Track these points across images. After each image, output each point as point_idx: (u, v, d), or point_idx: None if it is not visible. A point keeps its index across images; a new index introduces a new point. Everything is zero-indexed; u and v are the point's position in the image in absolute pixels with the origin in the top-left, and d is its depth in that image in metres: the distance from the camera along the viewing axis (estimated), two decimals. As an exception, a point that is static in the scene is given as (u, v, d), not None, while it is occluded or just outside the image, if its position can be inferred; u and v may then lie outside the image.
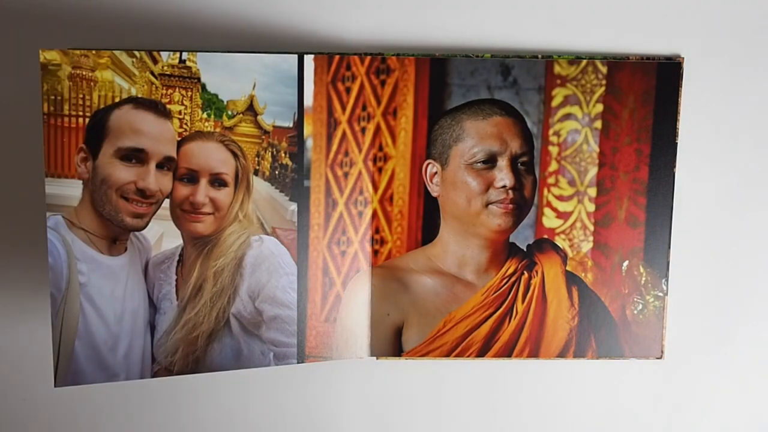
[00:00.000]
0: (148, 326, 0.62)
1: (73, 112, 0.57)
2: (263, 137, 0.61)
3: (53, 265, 0.57)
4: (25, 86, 0.58)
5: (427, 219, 0.66)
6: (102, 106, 0.57)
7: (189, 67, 0.59)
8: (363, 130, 0.64)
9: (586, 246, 0.67)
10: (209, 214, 0.61)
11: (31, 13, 0.59)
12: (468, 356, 0.67)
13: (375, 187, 0.65)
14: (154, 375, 0.62)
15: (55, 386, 0.59)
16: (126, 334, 0.60)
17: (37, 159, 0.57)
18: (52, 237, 0.57)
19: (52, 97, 0.56)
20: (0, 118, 0.59)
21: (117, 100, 0.57)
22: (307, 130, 0.63)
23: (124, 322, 0.60)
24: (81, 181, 0.58)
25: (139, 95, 0.58)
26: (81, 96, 0.57)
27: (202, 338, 0.62)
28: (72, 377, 0.59)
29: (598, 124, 0.66)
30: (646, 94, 0.66)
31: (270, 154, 0.62)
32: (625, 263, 0.67)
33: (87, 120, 0.57)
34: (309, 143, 0.63)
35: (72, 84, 0.56)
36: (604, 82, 0.65)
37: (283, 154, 0.62)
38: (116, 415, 0.66)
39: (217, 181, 0.61)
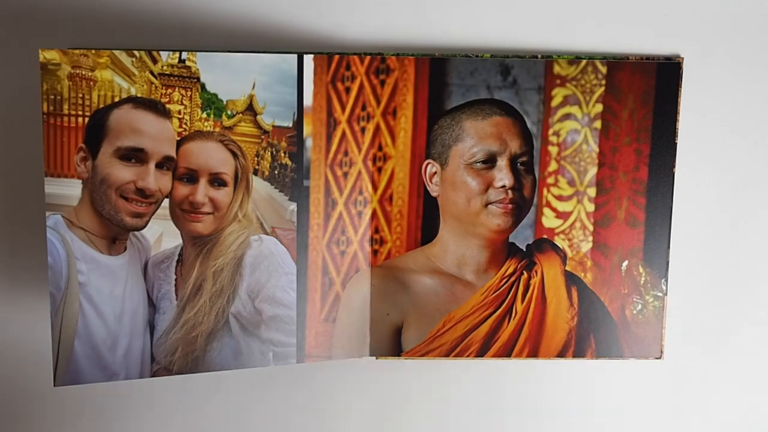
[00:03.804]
0: (147, 326, 0.62)
1: (73, 112, 0.57)
2: (263, 137, 0.61)
3: (53, 264, 0.57)
4: (24, 86, 0.58)
5: (427, 219, 0.66)
6: (101, 105, 0.57)
7: (188, 67, 0.58)
8: (363, 129, 0.64)
9: (586, 246, 0.67)
10: (209, 213, 0.61)
11: (31, 13, 0.59)
12: (467, 356, 0.67)
13: (374, 187, 0.65)
14: (154, 374, 0.62)
15: (54, 385, 0.59)
16: (125, 334, 0.60)
17: (36, 158, 0.57)
18: (52, 236, 0.57)
19: (52, 97, 0.56)
20: (1, 118, 0.59)
21: (116, 99, 0.57)
22: (307, 129, 0.63)
23: (124, 321, 0.60)
24: (80, 181, 0.58)
25: (139, 95, 0.58)
26: (80, 95, 0.57)
27: (202, 338, 0.62)
28: (71, 376, 0.59)
29: (598, 124, 0.66)
30: (645, 94, 0.66)
31: (269, 153, 0.62)
32: (625, 263, 0.67)
33: (86, 119, 0.57)
34: (308, 143, 0.63)
35: (71, 84, 0.56)
36: (603, 82, 0.65)
37: (282, 154, 0.62)
38: (116, 414, 0.65)
39: (216, 180, 0.61)
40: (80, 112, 0.57)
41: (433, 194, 0.66)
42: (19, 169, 0.60)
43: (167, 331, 0.62)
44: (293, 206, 0.63)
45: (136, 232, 0.60)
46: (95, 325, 0.59)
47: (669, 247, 0.67)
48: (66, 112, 0.56)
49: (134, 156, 0.58)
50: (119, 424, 0.66)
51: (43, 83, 0.56)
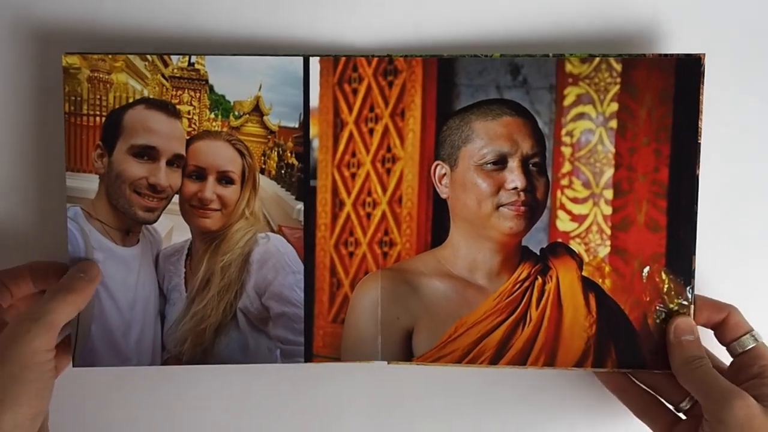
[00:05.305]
0: (158, 315, 0.65)
1: (91, 112, 0.61)
2: (269, 137, 0.64)
3: (72, 252, 0.62)
4: (48, 88, 0.64)
5: (437, 221, 0.66)
6: (117, 106, 0.62)
7: (197, 70, 0.62)
8: (371, 131, 0.65)
9: (603, 251, 0.64)
10: (216, 210, 0.64)
11: (54, 22, 0.64)
12: (480, 363, 0.65)
13: (383, 189, 0.65)
14: (164, 363, 0.64)
15: (73, 366, 0.63)
16: (138, 322, 0.63)
17: (58, 154, 0.62)
18: (72, 227, 0.62)
19: (73, 98, 0.61)
20: (26, 117, 0.65)
21: (131, 100, 0.62)
22: (313, 130, 0.64)
23: (136, 309, 0.63)
24: (98, 176, 0.62)
25: (151, 96, 0.62)
26: (98, 97, 0.61)
27: (210, 330, 0.64)
28: (89, 358, 0.63)
29: (614, 123, 0.63)
30: (664, 92, 0.63)
31: (276, 153, 0.64)
32: (646, 269, 0.64)
33: (103, 119, 0.62)
34: (315, 143, 0.64)
35: (90, 86, 0.61)
36: (618, 80, 0.63)
37: (289, 154, 0.64)
38: (125, 399, 0.68)
39: (224, 178, 0.64)
40: (98, 112, 0.61)
41: (443, 196, 0.65)
42: (43, 164, 0.65)
43: (177, 322, 0.64)
44: (300, 206, 0.64)
45: (148, 226, 0.64)
46: (110, 311, 0.63)
47: (694, 253, 0.63)
48: (85, 112, 0.61)
49: (146, 153, 0.62)
50: (128, 410, 0.69)
51: (65, 85, 0.61)
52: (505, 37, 0.66)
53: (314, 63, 0.63)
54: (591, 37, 0.65)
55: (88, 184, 0.62)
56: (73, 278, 0.60)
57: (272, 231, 0.64)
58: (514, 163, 0.64)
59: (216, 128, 0.63)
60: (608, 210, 0.64)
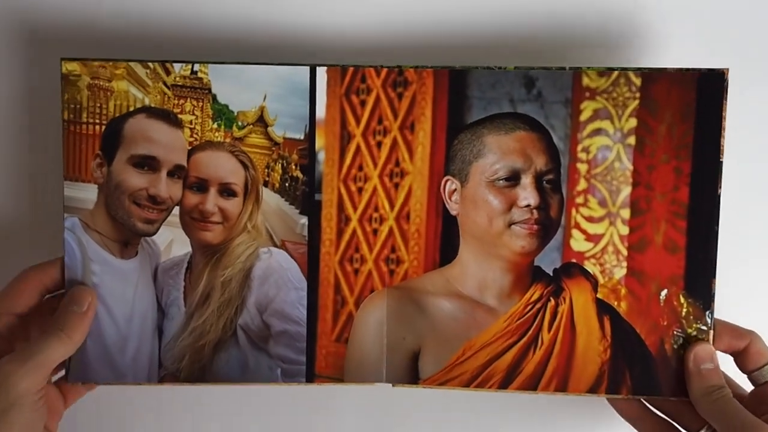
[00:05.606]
0: (156, 330, 0.63)
1: (91, 120, 0.60)
2: (273, 149, 0.62)
3: (69, 264, 0.60)
4: (47, 95, 0.62)
5: (446, 239, 0.63)
6: (117, 114, 0.60)
7: (200, 78, 0.60)
8: (379, 144, 0.63)
9: (619, 272, 0.62)
10: (218, 223, 0.62)
11: (53, 26, 0.63)
12: (489, 387, 0.62)
13: (391, 204, 0.63)
14: (161, 380, 0.62)
15: (67, 382, 0.60)
16: (135, 337, 0.61)
17: (57, 163, 0.60)
18: (69, 237, 0.60)
19: (72, 106, 0.59)
20: (25, 125, 0.63)
21: (131, 109, 0.60)
22: (319, 142, 0.62)
23: (133, 324, 0.61)
24: (96, 186, 0.60)
25: (152, 105, 0.60)
26: (98, 105, 0.60)
27: (209, 347, 0.62)
28: (83, 374, 0.61)
29: (632, 140, 0.61)
30: (685, 108, 0.60)
31: (280, 165, 0.62)
32: (664, 292, 0.61)
33: (103, 128, 0.60)
34: (321, 156, 0.62)
35: (90, 93, 0.60)
36: (637, 95, 0.61)
37: (293, 167, 0.62)
38: (119, 417, 0.66)
39: (226, 190, 0.62)
40: (98, 121, 0.60)
41: (453, 213, 0.63)
42: (41, 173, 0.63)
43: (175, 337, 0.62)
44: (304, 220, 0.62)
45: (147, 238, 0.62)
46: (106, 325, 0.61)
47: (714, 277, 0.60)
48: (84, 120, 0.60)
49: (147, 164, 0.60)
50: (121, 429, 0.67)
51: (64, 93, 0.59)
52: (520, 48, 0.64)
53: (321, 73, 0.61)
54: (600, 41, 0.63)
55: (87, 194, 0.60)
56: (66, 313, 0.58)
57: (275, 246, 0.62)
58: (527, 180, 0.61)
59: (219, 139, 0.61)
60: (625, 230, 0.62)
